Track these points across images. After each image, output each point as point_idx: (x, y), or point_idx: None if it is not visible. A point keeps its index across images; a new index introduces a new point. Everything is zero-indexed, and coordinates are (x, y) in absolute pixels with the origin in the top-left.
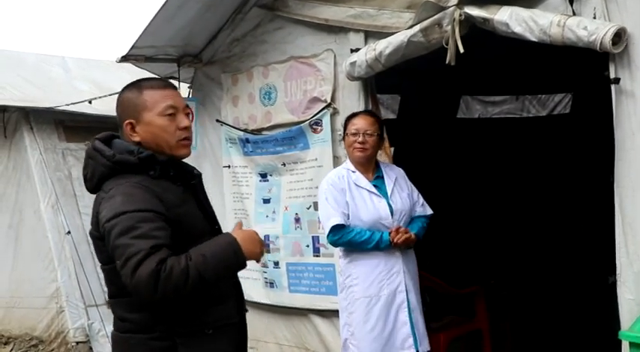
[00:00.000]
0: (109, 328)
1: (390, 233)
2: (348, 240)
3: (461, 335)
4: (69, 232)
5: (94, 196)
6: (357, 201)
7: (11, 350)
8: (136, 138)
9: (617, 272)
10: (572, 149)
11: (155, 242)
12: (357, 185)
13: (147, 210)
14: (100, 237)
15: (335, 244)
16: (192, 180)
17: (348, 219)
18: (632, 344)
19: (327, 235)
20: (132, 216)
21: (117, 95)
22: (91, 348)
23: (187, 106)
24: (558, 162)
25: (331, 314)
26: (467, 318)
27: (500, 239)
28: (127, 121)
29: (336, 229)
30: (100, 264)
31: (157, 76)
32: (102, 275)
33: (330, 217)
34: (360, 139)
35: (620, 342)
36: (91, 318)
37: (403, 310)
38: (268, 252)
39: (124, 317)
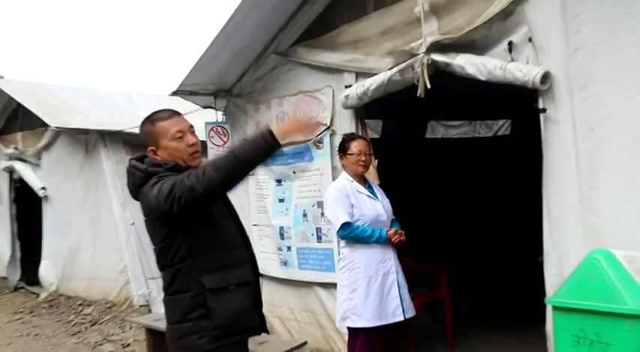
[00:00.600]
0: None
1: (387, 232)
2: (355, 234)
3: (428, 301)
4: (133, 223)
5: None
6: (360, 202)
7: (92, 310)
8: (159, 159)
9: (544, 254)
10: (512, 162)
11: (176, 178)
12: (358, 191)
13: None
14: (152, 218)
15: (343, 237)
16: None
17: (353, 217)
18: (554, 308)
19: (338, 230)
20: (161, 179)
21: None
22: (150, 310)
23: (191, 126)
24: (502, 171)
25: (329, 286)
26: (432, 289)
27: (457, 230)
28: (149, 148)
29: (345, 226)
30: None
31: (165, 108)
32: None
33: (340, 216)
34: (363, 158)
35: (545, 306)
36: (149, 288)
37: (394, 287)
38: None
39: (170, 283)
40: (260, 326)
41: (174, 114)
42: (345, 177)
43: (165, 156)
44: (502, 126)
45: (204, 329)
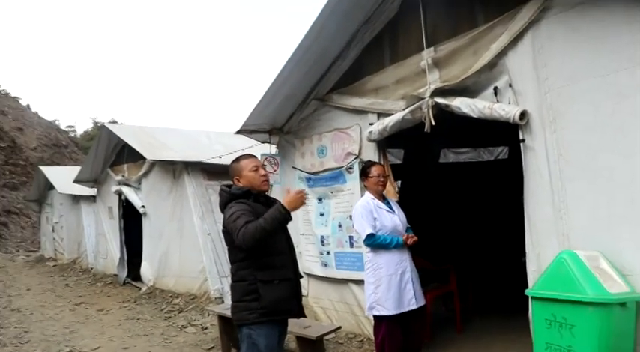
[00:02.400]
0: None
1: (403, 238)
2: (378, 243)
3: (440, 294)
4: (209, 234)
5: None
6: (381, 216)
7: (180, 300)
8: (240, 185)
9: (526, 254)
10: (508, 180)
11: (247, 219)
12: (379, 207)
13: (243, 210)
14: (226, 231)
15: (368, 245)
16: (272, 203)
17: (375, 228)
18: (532, 298)
19: (364, 240)
20: (239, 212)
21: (237, 151)
22: (222, 301)
23: (263, 165)
24: (500, 188)
25: (360, 282)
26: (443, 284)
27: (464, 236)
28: (235, 178)
29: (370, 236)
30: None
31: (245, 154)
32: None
33: (365, 229)
34: (382, 179)
35: (527, 297)
36: (222, 284)
37: (409, 282)
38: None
39: (235, 274)
40: (298, 312)
41: (251, 156)
42: (368, 195)
43: (245, 182)
44: (501, 152)
45: (253, 308)
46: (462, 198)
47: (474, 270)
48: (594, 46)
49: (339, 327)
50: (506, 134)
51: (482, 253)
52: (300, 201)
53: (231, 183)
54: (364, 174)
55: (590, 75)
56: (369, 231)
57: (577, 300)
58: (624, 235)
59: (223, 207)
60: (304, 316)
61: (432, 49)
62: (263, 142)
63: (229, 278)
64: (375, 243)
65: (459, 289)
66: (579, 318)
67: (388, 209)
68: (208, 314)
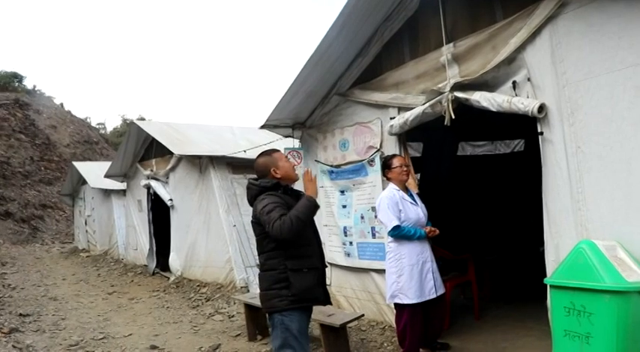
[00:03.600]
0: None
1: (426, 230)
2: (403, 234)
3: (459, 283)
4: (235, 225)
5: (246, 206)
6: (406, 208)
7: (207, 290)
8: (278, 175)
9: (545, 244)
10: (525, 172)
11: (281, 213)
12: (404, 199)
13: (277, 202)
14: (256, 221)
15: (394, 236)
16: (298, 194)
17: (400, 220)
18: (551, 286)
19: (389, 231)
20: (271, 205)
21: (261, 146)
22: (248, 290)
23: (286, 158)
24: (517, 180)
25: (382, 271)
26: (462, 273)
27: (482, 226)
28: (272, 169)
29: (395, 228)
30: (255, 237)
31: (270, 149)
32: (253, 249)
33: (391, 220)
34: (405, 169)
35: (546, 286)
36: (247, 273)
37: (430, 272)
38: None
39: (264, 263)
40: (324, 300)
41: (278, 150)
42: (393, 187)
43: (282, 172)
44: (517, 145)
45: (284, 295)
46: (480, 189)
47: (491, 260)
48: (612, 41)
49: (362, 315)
50: (522, 127)
51: (500, 243)
52: (314, 185)
53: (255, 176)
54: (387, 166)
55: (607, 69)
56: (395, 222)
57: (596, 289)
58: None
59: (253, 199)
60: (330, 304)
61: (451, 44)
62: (286, 137)
63: (254, 268)
64: (400, 234)
65: (476, 278)
66: (598, 306)
67: (412, 201)
68: (234, 303)
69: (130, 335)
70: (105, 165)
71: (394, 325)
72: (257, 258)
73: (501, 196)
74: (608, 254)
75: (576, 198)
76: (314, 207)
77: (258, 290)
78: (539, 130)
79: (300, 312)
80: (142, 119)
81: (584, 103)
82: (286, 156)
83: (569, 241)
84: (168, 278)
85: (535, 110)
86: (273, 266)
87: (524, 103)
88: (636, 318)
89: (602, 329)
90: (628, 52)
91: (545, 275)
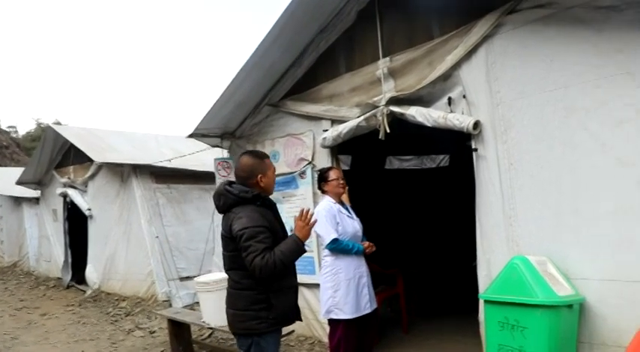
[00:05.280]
0: (181, 293)
1: (365, 245)
2: (341, 247)
3: (388, 296)
4: (157, 237)
5: (169, 217)
6: (343, 221)
7: (126, 304)
8: (262, 185)
9: (477, 259)
10: (451, 187)
11: (264, 246)
12: (340, 212)
13: (260, 226)
14: (230, 237)
15: (332, 249)
16: (273, 207)
17: (338, 233)
18: (485, 301)
19: (327, 244)
20: (252, 229)
21: (186, 156)
22: (170, 304)
23: (217, 169)
24: (443, 195)
25: (311, 286)
26: (391, 286)
27: (410, 241)
28: (259, 175)
29: (334, 241)
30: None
31: (259, 151)
32: (177, 261)
33: (330, 233)
34: (342, 182)
35: (478, 300)
36: (170, 287)
37: (365, 286)
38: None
39: (238, 281)
40: (298, 317)
41: (268, 156)
42: (329, 200)
43: (265, 182)
44: (443, 160)
45: (263, 317)
46: (408, 203)
47: (421, 274)
48: (544, 63)
49: (293, 331)
50: (448, 143)
51: (429, 258)
52: (310, 228)
53: (232, 181)
54: (323, 179)
55: (539, 90)
56: (334, 235)
57: (529, 303)
58: (569, 242)
59: (226, 208)
60: (301, 320)
61: (387, 58)
62: (214, 146)
63: (177, 281)
64: (338, 247)
65: (405, 292)
66: (531, 320)
67: (349, 214)
68: (156, 318)
69: None
70: (16, 171)
71: (324, 340)
72: (179, 270)
73: (429, 210)
74: (540, 269)
75: (508, 214)
76: (300, 251)
77: (181, 305)
78: (473, 146)
79: (277, 334)
80: (59, 124)
81: (516, 122)
82: (217, 168)
83: (501, 256)
84: (85, 291)
85: (470, 127)
86: (250, 286)
87: (459, 120)
88: (565, 331)
89: (534, 343)
90: (559, 74)
91: (474, 290)
